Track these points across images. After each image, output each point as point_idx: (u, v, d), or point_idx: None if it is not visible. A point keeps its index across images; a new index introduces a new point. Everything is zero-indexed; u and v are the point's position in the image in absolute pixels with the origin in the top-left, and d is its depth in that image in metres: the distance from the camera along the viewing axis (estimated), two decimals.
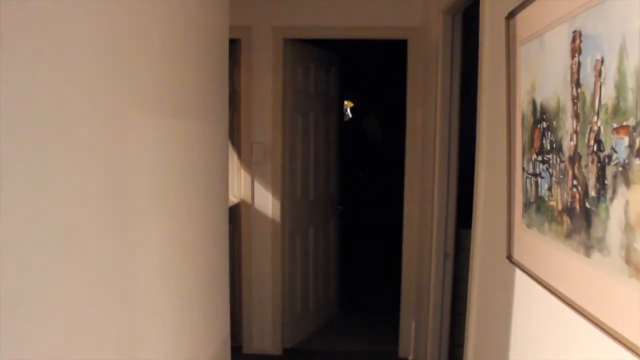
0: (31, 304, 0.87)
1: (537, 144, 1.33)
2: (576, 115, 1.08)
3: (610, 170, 0.95)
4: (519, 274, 1.52)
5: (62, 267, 0.96)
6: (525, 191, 1.43)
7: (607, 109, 0.95)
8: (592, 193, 1.02)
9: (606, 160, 0.96)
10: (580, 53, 1.06)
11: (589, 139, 1.03)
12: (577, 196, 1.09)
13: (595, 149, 1.00)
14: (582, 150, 1.06)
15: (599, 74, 0.98)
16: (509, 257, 1.57)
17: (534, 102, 1.34)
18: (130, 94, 1.27)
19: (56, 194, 0.94)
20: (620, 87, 0.91)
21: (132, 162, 1.29)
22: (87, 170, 1.06)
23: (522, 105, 1.43)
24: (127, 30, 1.25)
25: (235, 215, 3.60)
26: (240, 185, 3.63)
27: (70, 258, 1.00)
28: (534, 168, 1.36)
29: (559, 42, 1.17)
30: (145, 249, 1.38)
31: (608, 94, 0.95)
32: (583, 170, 1.06)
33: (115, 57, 1.19)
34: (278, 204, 3.59)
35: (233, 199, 3.64)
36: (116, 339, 1.22)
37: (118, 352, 1.23)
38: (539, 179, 1.32)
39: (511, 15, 1.50)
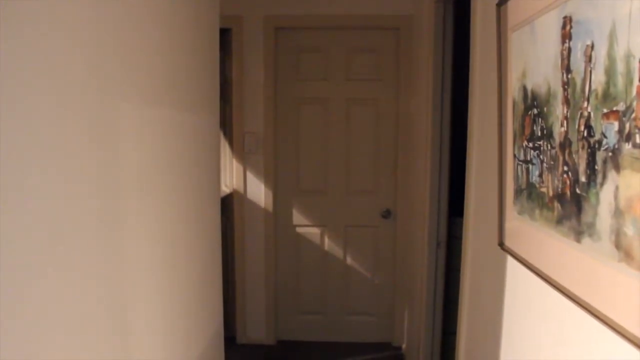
0: (19, 302, 0.87)
1: (528, 131, 1.33)
2: (566, 101, 1.08)
3: (600, 156, 0.95)
4: (510, 260, 1.53)
5: (48, 261, 0.96)
6: (516, 178, 1.43)
7: (597, 94, 0.95)
8: (583, 179, 1.02)
9: (596, 146, 0.96)
10: (570, 39, 1.06)
11: (579, 125, 1.03)
12: (568, 182, 1.09)
13: (585, 134, 1.01)
14: (573, 136, 1.06)
15: (589, 59, 0.98)
16: (501, 245, 1.58)
17: (524, 89, 1.34)
18: (119, 84, 1.26)
19: (43, 187, 0.93)
20: (610, 72, 0.91)
21: (122, 152, 1.28)
22: (76, 162, 1.05)
23: (513, 92, 1.43)
24: (116, 20, 1.24)
25: (228, 205, 3.60)
26: (232, 175, 3.63)
27: (58, 252, 0.99)
28: (525, 155, 1.36)
29: (549, 28, 1.17)
30: (135, 242, 1.38)
31: (598, 79, 0.95)
32: (573, 156, 1.06)
33: (106, 46, 1.18)
34: (271, 194, 3.59)
35: (225, 190, 3.63)
36: (107, 332, 1.22)
37: (109, 344, 1.23)
38: (530, 166, 1.32)
39: (502, 2, 1.50)
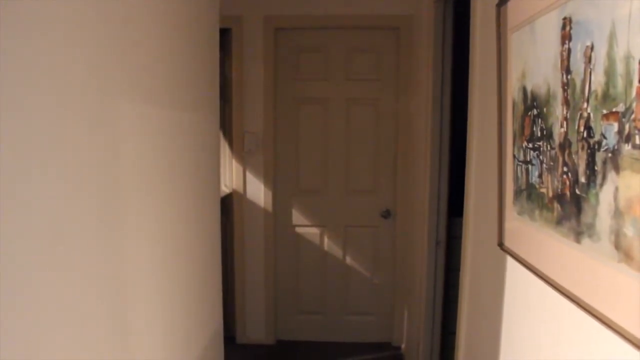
0: (19, 302, 0.87)
1: (527, 132, 1.33)
2: (566, 102, 1.09)
3: (600, 157, 0.95)
4: (510, 261, 1.53)
5: (48, 261, 0.96)
6: (516, 179, 1.43)
7: (596, 95, 0.95)
8: (582, 179, 1.02)
9: (596, 147, 0.96)
10: (570, 40, 1.06)
11: (579, 126, 1.03)
12: (568, 183, 1.09)
13: (585, 135, 1.01)
14: (572, 137, 1.06)
15: (589, 60, 0.98)
16: (500, 245, 1.58)
17: (524, 90, 1.34)
18: (119, 84, 1.26)
19: (43, 187, 0.93)
20: (609, 73, 0.91)
21: (122, 152, 1.28)
22: (76, 162, 1.05)
23: (513, 93, 1.43)
24: (116, 20, 1.24)
25: (228, 205, 3.60)
26: (232, 175, 3.63)
27: (58, 252, 0.99)
28: (524, 155, 1.36)
29: (549, 29, 1.17)
30: (135, 242, 1.38)
31: (598, 80, 0.95)
32: (573, 156, 1.06)
33: (106, 46, 1.18)
34: (270, 194, 3.59)
35: (225, 189, 3.63)
36: (107, 332, 1.22)
37: (109, 344, 1.23)
38: (530, 166, 1.32)
39: (502, 2, 1.50)
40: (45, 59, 0.93)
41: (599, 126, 0.95)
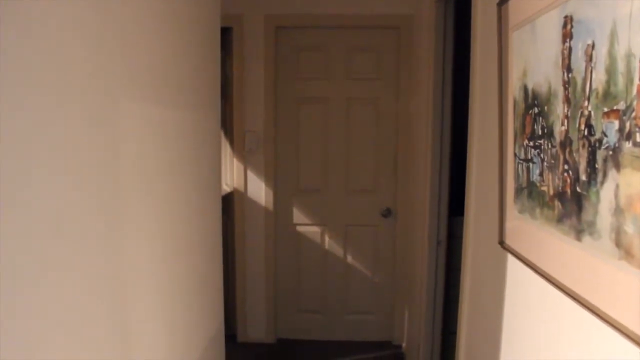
0: (19, 302, 0.87)
1: (528, 130, 1.33)
2: (567, 100, 1.08)
3: (600, 154, 0.95)
4: (511, 259, 1.53)
5: (48, 261, 0.96)
6: (517, 177, 1.43)
7: (597, 93, 0.95)
8: (583, 177, 1.02)
9: (597, 145, 0.96)
10: (571, 38, 1.06)
11: (579, 124, 1.03)
12: (568, 181, 1.09)
13: (586, 133, 1.01)
14: (573, 135, 1.06)
15: (590, 58, 0.98)
16: (501, 243, 1.58)
17: (525, 88, 1.34)
18: (120, 83, 1.26)
19: (43, 186, 0.93)
20: (610, 72, 0.91)
21: (122, 152, 1.27)
22: (76, 161, 1.05)
23: (514, 91, 1.43)
24: (118, 19, 1.24)
25: (229, 204, 3.60)
26: (233, 174, 3.63)
27: (58, 252, 0.99)
28: (525, 154, 1.36)
29: (550, 27, 1.17)
30: (136, 241, 1.38)
31: (599, 78, 0.95)
32: (574, 154, 1.06)
33: (107, 45, 1.17)
34: (271, 193, 3.59)
35: (226, 188, 3.64)
36: (107, 332, 1.22)
37: (109, 344, 1.23)
38: (531, 165, 1.32)
39: (503, 1, 1.50)
40: (46, 58, 0.93)
41: (599, 124, 0.95)
